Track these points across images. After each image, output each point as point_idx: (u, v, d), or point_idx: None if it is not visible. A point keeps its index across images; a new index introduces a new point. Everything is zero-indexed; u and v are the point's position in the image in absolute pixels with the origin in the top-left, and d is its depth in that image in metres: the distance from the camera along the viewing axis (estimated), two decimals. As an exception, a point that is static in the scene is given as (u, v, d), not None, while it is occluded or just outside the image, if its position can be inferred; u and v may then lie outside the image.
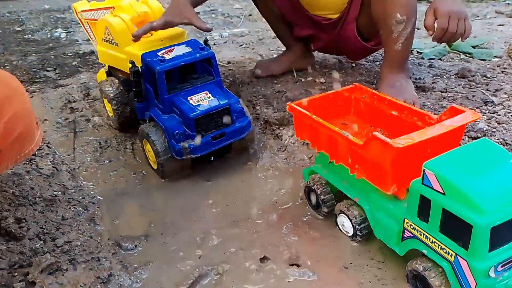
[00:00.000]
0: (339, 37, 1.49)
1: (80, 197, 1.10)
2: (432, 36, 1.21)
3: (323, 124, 0.88)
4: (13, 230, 0.87)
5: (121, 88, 1.32)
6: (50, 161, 1.18)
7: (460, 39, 1.20)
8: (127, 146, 1.36)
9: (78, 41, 2.32)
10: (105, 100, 1.38)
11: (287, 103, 1.00)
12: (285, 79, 1.61)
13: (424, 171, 0.70)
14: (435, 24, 1.19)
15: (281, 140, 1.34)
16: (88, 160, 1.29)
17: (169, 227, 1.03)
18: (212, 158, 1.22)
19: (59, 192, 1.07)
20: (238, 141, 1.21)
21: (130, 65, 1.15)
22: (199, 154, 1.12)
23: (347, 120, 1.08)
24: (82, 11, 1.50)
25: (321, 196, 0.96)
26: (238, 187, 1.17)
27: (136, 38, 1.21)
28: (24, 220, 0.90)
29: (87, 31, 1.56)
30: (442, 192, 0.68)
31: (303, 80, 1.60)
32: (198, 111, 1.10)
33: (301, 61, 1.67)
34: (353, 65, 1.72)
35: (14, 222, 0.88)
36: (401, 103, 0.96)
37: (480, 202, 0.63)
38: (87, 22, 1.51)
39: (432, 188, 0.69)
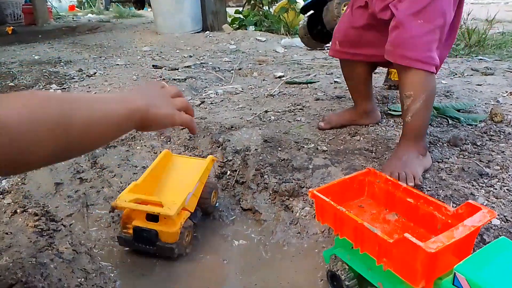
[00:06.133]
0: None
1: (103, 282, 1.10)
2: None
3: (349, 216, 0.94)
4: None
5: None
6: (69, 243, 1.18)
7: None
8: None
9: (74, 99, 2.34)
10: None
11: (309, 189, 1.06)
12: (289, 146, 1.68)
13: (455, 274, 0.76)
14: None
15: (292, 212, 1.39)
16: (104, 237, 1.30)
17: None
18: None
19: (82, 279, 1.07)
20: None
21: None
22: None
23: (363, 202, 1.14)
24: None
25: (346, 282, 1.01)
26: (256, 266, 1.20)
27: None
28: (56, 318, 0.90)
29: None
30: (473, 295, 0.73)
31: (305, 147, 1.67)
32: None
33: (364, 119, 1.85)
34: (358, 130, 1.81)
35: (46, 319, 0.88)
36: (417, 192, 1.03)
37: (511, 308, 0.69)
38: None
39: (463, 290, 0.75)
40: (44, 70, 2.89)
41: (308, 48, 2.18)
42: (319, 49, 2.10)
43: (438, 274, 0.84)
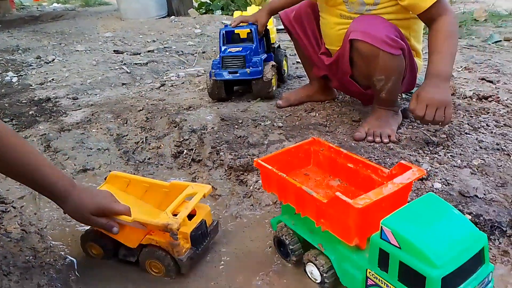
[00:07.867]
0: (344, 82, 1.65)
1: (52, 260, 1.10)
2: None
3: (289, 181, 0.97)
4: (-11, 305, 0.87)
5: None
6: (18, 224, 1.17)
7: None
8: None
9: (31, 85, 2.29)
10: None
11: (254, 159, 1.08)
12: (246, 124, 1.69)
13: (381, 227, 0.79)
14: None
15: (246, 186, 1.41)
16: (55, 218, 1.29)
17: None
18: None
19: (31, 257, 1.07)
20: None
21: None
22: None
23: (308, 170, 1.17)
24: None
25: (290, 246, 1.04)
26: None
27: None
28: (0, 293, 0.90)
29: None
30: (398, 246, 0.77)
31: (262, 124, 1.69)
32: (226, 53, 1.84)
33: (320, 95, 1.89)
34: (314, 106, 1.84)
35: (-11, 295, 0.88)
36: (356, 157, 1.07)
37: (431, 255, 0.73)
38: None
39: (390, 243, 0.79)
40: (0, 58, 2.82)
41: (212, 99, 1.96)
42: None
43: (372, 232, 0.87)
